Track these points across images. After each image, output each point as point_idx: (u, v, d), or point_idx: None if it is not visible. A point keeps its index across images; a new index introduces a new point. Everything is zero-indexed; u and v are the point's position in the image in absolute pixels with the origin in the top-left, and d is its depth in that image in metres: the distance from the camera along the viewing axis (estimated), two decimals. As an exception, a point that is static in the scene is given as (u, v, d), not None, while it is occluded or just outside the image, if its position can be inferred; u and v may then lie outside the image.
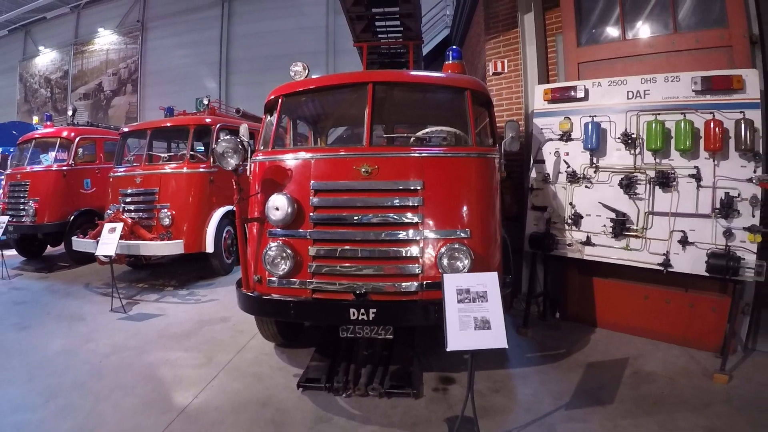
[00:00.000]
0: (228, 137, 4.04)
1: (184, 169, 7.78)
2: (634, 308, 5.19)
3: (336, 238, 3.79)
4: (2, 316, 6.56)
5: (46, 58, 27.43)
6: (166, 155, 8.74)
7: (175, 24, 23.68)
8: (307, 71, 4.66)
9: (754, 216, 4.22)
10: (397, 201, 3.76)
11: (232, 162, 3.98)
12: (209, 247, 7.63)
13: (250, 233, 4.17)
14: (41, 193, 9.22)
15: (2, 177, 11.53)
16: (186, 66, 23.36)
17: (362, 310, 3.52)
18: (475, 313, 3.09)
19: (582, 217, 5.25)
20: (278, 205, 3.79)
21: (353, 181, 3.80)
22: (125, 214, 7.49)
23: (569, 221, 5.34)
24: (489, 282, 3.17)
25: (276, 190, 3.95)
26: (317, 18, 20.86)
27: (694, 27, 5.37)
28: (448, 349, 3.01)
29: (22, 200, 9.31)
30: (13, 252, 10.11)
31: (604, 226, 5.07)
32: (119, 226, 6.55)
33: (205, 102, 9.22)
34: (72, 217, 9.26)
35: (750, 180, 4.25)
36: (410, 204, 3.74)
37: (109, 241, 6.38)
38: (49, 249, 11.03)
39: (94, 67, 25.66)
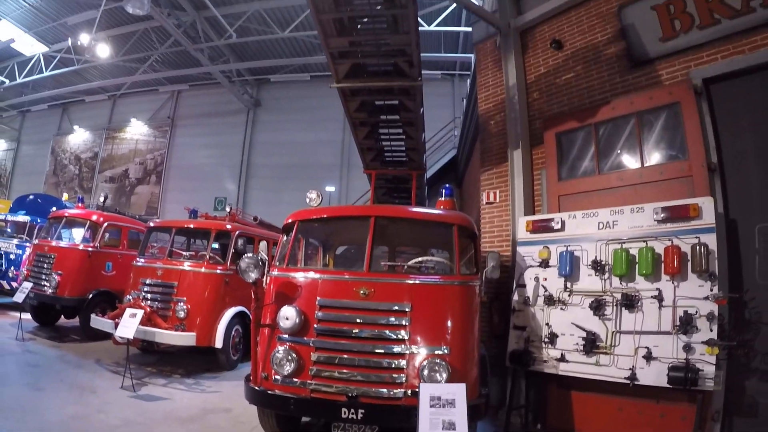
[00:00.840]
0: (250, 255, 4.80)
1: (203, 269, 8.41)
2: (610, 419, 5.56)
3: (335, 347, 4.46)
4: (18, 374, 7.05)
5: (78, 137, 28.71)
6: (186, 253, 9.38)
7: (203, 125, 24.89)
8: (320, 199, 5.54)
9: (711, 330, 4.70)
10: (389, 319, 4.46)
11: (253, 276, 4.72)
12: (218, 343, 8.08)
13: (261, 336, 4.81)
14: (66, 268, 9.78)
15: (28, 245, 12.32)
16: (209, 165, 24.27)
17: (352, 410, 4.13)
18: (443, 417, 3.67)
19: (557, 336, 5.79)
20: (288, 315, 4.50)
21: (353, 301, 4.55)
22: (144, 302, 8.03)
23: (546, 340, 5.87)
24: (457, 392, 3.78)
25: (287, 302, 4.67)
26: (334, 133, 21.92)
27: (659, 160, 6.18)
28: None
29: (46, 271, 9.86)
30: (27, 316, 10.55)
31: (577, 344, 5.57)
32: (140, 312, 7.12)
33: (228, 209, 9.98)
34: (90, 295, 9.77)
35: (707, 298, 4.79)
36: (399, 323, 4.44)
37: (129, 325, 6.92)
38: (61, 320, 11.45)
39: (123, 153, 26.78)
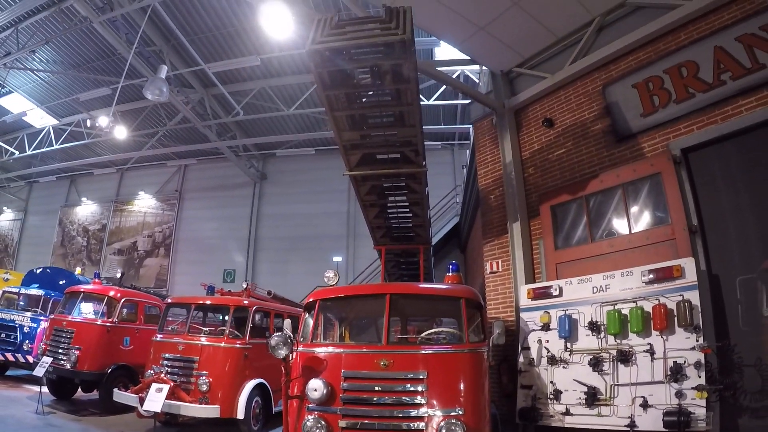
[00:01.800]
0: (279, 334, 5.31)
1: (223, 344, 8.74)
2: None
3: (360, 414, 4.93)
4: None
5: (86, 209, 28.92)
6: (206, 329, 9.66)
7: (210, 198, 25.36)
8: (337, 278, 6.13)
9: (699, 377, 5.20)
10: (408, 386, 4.96)
11: (283, 352, 5.23)
12: (240, 414, 8.30)
13: (291, 407, 5.25)
14: (85, 342, 10.03)
15: (42, 318, 12.57)
16: (216, 237, 24.58)
17: None
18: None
19: (561, 392, 6.25)
20: (316, 387, 4.98)
21: (374, 371, 5.06)
22: (166, 376, 8.28)
23: (551, 396, 6.32)
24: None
25: (313, 374, 5.15)
26: (339, 204, 22.74)
27: (645, 226, 6.77)
28: None
29: (65, 345, 10.07)
30: (45, 389, 10.81)
31: (579, 398, 6.03)
32: (166, 387, 7.51)
33: (243, 285, 10.46)
34: (110, 370, 10.00)
35: (693, 348, 5.31)
36: (417, 389, 4.93)
37: (155, 399, 7.28)
38: (78, 393, 11.50)
39: (131, 226, 27.10)
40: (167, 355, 8.68)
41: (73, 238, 29.21)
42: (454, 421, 4.72)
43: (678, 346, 5.47)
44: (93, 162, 25.72)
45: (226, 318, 9.30)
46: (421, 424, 4.80)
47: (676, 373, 5.34)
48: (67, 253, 28.94)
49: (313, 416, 4.94)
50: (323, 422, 4.88)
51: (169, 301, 10.17)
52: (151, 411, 7.40)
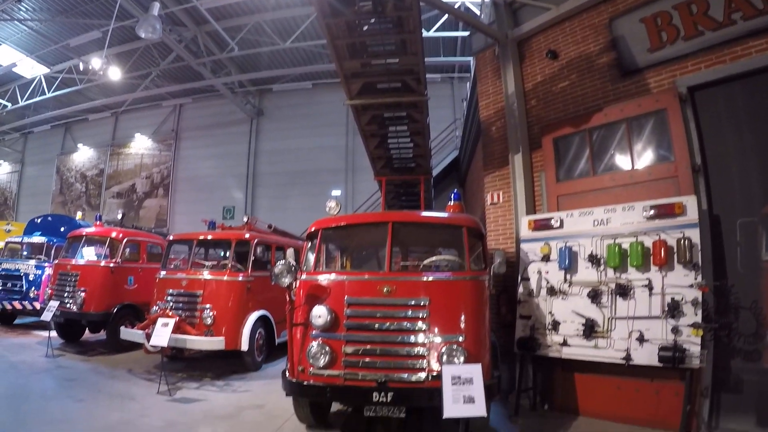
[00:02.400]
0: (283, 262, 5.31)
1: (225, 277, 8.88)
2: (610, 398, 6.09)
3: (364, 340, 5.05)
4: (57, 389, 7.49)
5: (83, 155, 28.75)
6: (208, 263, 9.81)
7: (207, 136, 25.15)
8: (339, 207, 6.10)
9: (696, 315, 5.28)
10: (410, 313, 5.05)
11: (287, 280, 5.24)
12: (244, 346, 8.55)
13: (295, 334, 5.35)
14: (90, 284, 10.23)
15: (46, 265, 12.75)
16: (215, 176, 24.53)
17: (383, 394, 4.70)
18: (463, 392, 4.20)
19: (559, 323, 6.37)
20: (320, 313, 5.08)
21: (377, 298, 5.14)
22: (171, 312, 8.47)
23: (549, 327, 6.43)
24: (474, 371, 4.31)
25: (317, 302, 5.23)
26: (337, 138, 22.51)
27: (648, 162, 6.69)
28: (443, 416, 4.12)
29: (71, 289, 10.27)
30: (53, 333, 10.92)
31: (577, 330, 6.15)
32: (171, 321, 7.61)
33: (244, 219, 10.42)
34: (115, 309, 10.24)
35: (691, 286, 5.37)
36: (419, 315, 5.02)
37: (162, 334, 7.39)
38: (86, 334, 11.94)
39: (129, 169, 26.98)
40: (171, 291, 8.83)
41: (71, 185, 29.14)
42: (454, 347, 4.85)
43: (676, 283, 5.51)
44: (87, 108, 25.34)
45: (228, 253, 9.39)
46: (423, 350, 4.91)
47: (673, 310, 5.41)
48: (66, 201, 28.94)
49: (317, 342, 5.05)
50: (327, 348, 5.00)
51: (171, 238, 10.23)
52: (157, 346, 7.55)
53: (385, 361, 4.95)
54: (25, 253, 13.79)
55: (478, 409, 4.13)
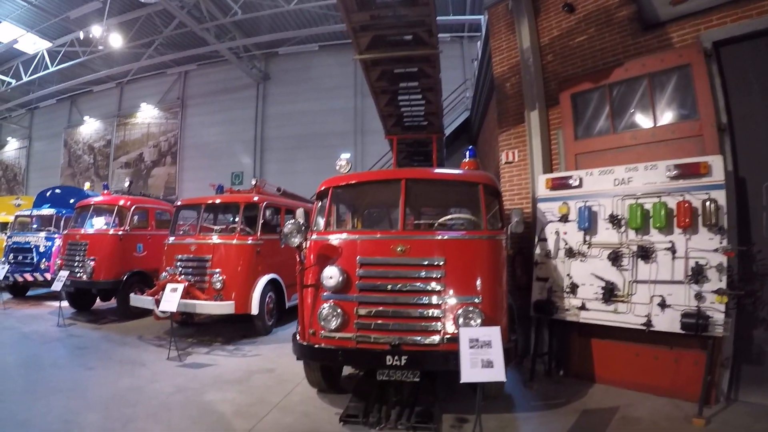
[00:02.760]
0: (293, 221, 5.11)
1: (235, 241, 8.77)
2: (628, 365, 5.91)
3: (377, 301, 4.86)
4: (68, 357, 7.51)
5: (90, 127, 28.85)
6: (217, 227, 9.72)
7: (213, 103, 25.03)
8: (350, 166, 5.85)
9: (721, 280, 4.98)
10: (425, 273, 4.83)
11: (297, 240, 5.05)
12: (254, 310, 8.50)
13: (305, 296, 5.18)
14: (99, 253, 10.25)
15: (57, 236, 12.79)
16: (222, 142, 24.48)
17: (396, 357, 4.53)
18: (481, 356, 4.04)
19: (578, 286, 6.11)
20: (332, 274, 4.88)
21: (391, 257, 4.92)
22: (180, 277, 8.40)
23: (567, 290, 6.19)
24: (493, 334, 4.14)
25: (329, 263, 5.03)
26: (345, 100, 22.31)
27: (671, 120, 6.37)
28: (461, 381, 3.96)
29: (80, 258, 10.31)
30: (65, 303, 11.02)
31: (596, 293, 5.89)
32: (180, 287, 7.49)
33: (252, 182, 10.31)
34: (125, 277, 10.27)
35: (716, 250, 5.07)
36: (435, 276, 4.81)
37: (171, 299, 7.29)
38: (97, 303, 12.00)
39: (136, 138, 26.98)
40: (180, 257, 8.78)
41: (79, 158, 29.23)
42: (471, 308, 4.65)
43: (700, 247, 5.22)
44: (91, 79, 25.17)
45: (237, 216, 9.29)
46: (438, 312, 4.72)
47: (697, 274, 5.12)
48: (75, 173, 29.06)
49: (329, 304, 4.88)
50: (339, 310, 4.83)
51: (179, 203, 10.12)
52: (167, 311, 7.49)
53: (398, 324, 4.76)
54: (35, 225, 13.87)
55: (497, 373, 3.97)
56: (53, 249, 12.76)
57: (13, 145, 33.21)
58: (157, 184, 25.76)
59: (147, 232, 11.24)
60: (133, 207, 10.99)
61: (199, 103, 25.60)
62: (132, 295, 9.09)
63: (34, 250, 12.95)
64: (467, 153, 6.43)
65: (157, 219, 11.59)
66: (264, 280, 8.86)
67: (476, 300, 4.74)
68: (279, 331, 9.26)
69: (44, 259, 12.82)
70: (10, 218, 15.00)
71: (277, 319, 9.46)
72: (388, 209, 7.02)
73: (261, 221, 9.09)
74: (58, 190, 15.65)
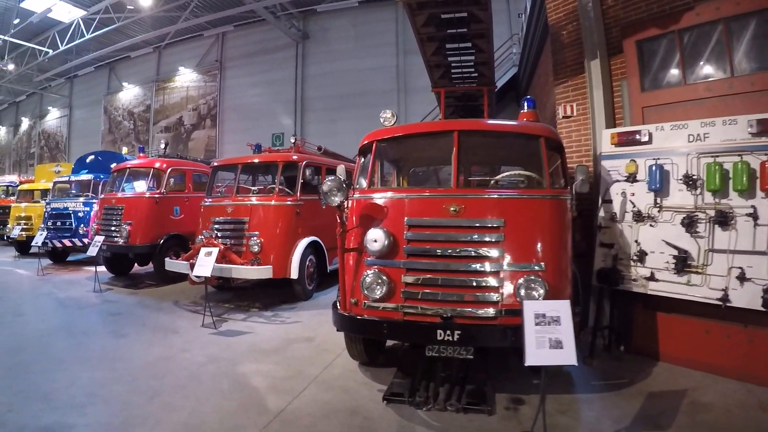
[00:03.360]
0: (333, 178, 4.57)
1: (273, 202, 8.38)
2: (696, 342, 5.28)
3: (427, 268, 4.29)
4: (100, 324, 7.33)
5: (129, 93, 29.23)
6: (255, 188, 9.39)
7: (252, 64, 24.81)
8: (395, 118, 5.27)
9: None
10: (482, 236, 4.25)
11: (338, 199, 4.51)
12: (294, 274, 8.13)
13: (347, 262, 4.67)
14: (135, 217, 10.09)
15: (94, 201, 12.73)
16: (262, 103, 24.35)
17: (448, 332, 3.99)
18: (549, 335, 3.50)
19: (646, 254, 5.46)
20: (377, 237, 4.33)
21: (443, 218, 4.33)
22: (217, 240, 8.09)
23: (634, 258, 5.55)
24: (562, 308, 3.59)
25: (372, 224, 4.49)
26: (387, 58, 21.42)
27: (750, 71, 5.64)
28: (525, 364, 3.44)
29: (116, 223, 10.19)
30: (102, 268, 11.04)
31: (667, 262, 5.24)
32: (215, 250, 7.15)
33: (292, 140, 9.88)
34: (162, 241, 10.10)
35: None
36: (493, 239, 4.22)
37: (205, 264, 6.96)
38: (135, 267, 11.99)
39: (175, 102, 27.16)
40: (217, 219, 8.48)
41: (119, 124, 29.65)
42: (533, 277, 4.08)
43: None
44: (128, 45, 25.40)
45: (276, 177, 8.92)
46: (496, 280, 4.15)
47: None
48: (115, 139, 29.55)
49: (372, 271, 4.36)
50: (384, 277, 4.30)
51: (215, 164, 9.79)
52: (201, 276, 7.18)
53: (451, 293, 4.21)
54: (73, 191, 13.91)
55: (567, 356, 3.45)
56: (91, 214, 12.75)
57: (54, 115, 33.97)
58: (197, 148, 25.88)
59: (184, 194, 11.02)
60: (170, 169, 10.74)
61: (237, 65, 25.45)
62: (167, 259, 8.87)
63: (72, 215, 12.99)
64: (525, 103, 5.74)
65: (194, 181, 11.33)
66: (304, 242, 8.46)
67: (539, 267, 4.17)
68: (320, 296, 8.92)
69: (82, 225, 12.87)
70: (50, 185, 15.00)
71: (317, 283, 9.12)
72: (437, 167, 6.42)
73: (301, 181, 8.65)
74: (96, 156, 15.59)
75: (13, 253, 15.85)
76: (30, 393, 4.66)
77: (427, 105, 12.57)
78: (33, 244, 11.99)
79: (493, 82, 9.62)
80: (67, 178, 14.55)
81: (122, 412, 4.27)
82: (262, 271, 7.81)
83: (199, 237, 8.46)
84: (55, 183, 14.73)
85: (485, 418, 4.13)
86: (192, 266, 7.51)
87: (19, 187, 18.58)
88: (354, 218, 4.75)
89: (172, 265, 8.56)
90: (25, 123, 37.47)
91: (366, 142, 5.30)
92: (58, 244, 12.70)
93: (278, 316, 7.62)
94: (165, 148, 12.51)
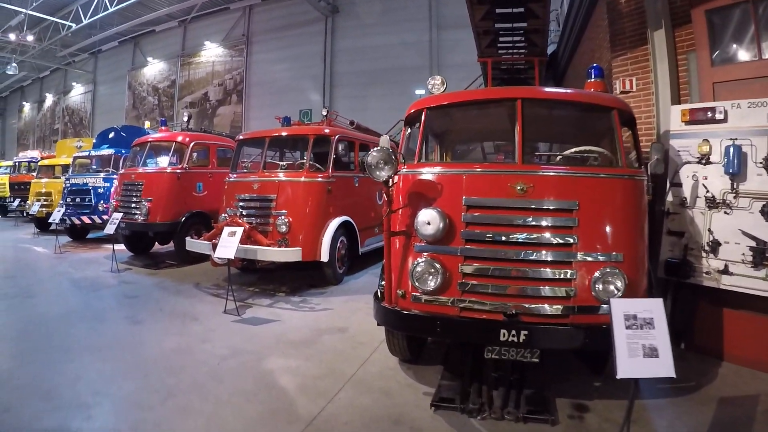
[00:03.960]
0: (379, 148, 3.91)
1: (303, 178, 7.82)
2: (765, 343, 4.75)
3: (488, 256, 3.69)
4: (115, 308, 6.87)
5: (154, 68, 29.05)
6: (284, 163, 8.86)
7: (279, 38, 24.38)
8: (445, 85, 4.65)
9: None
10: (552, 221, 3.65)
11: (384, 174, 3.87)
12: (324, 257, 7.62)
13: (393, 247, 4.08)
14: (155, 193, 9.66)
15: (114, 177, 12.35)
16: (289, 78, 23.97)
17: (513, 332, 3.42)
18: (642, 341, 2.94)
19: (720, 245, 4.88)
20: (430, 219, 3.72)
21: (508, 198, 3.71)
22: (241, 219, 7.64)
23: (707, 248, 4.97)
24: (655, 308, 3.02)
25: (424, 204, 3.89)
26: (420, 33, 20.83)
27: None
28: (617, 377, 2.88)
29: (136, 199, 9.77)
30: (121, 247, 10.69)
31: (744, 254, 4.68)
32: (239, 230, 6.65)
33: (323, 113, 9.28)
34: (183, 218, 9.65)
35: None
36: (566, 224, 3.62)
37: (228, 245, 6.46)
38: (155, 246, 11.64)
39: (201, 77, 26.91)
40: (242, 196, 7.98)
41: (143, 99, 29.51)
42: (611, 269, 3.48)
43: None
44: (153, 18, 25.07)
45: (305, 152, 8.30)
46: (570, 272, 3.55)
47: None
48: (140, 114, 29.47)
49: (424, 258, 3.77)
50: (438, 266, 3.70)
51: (241, 137, 9.20)
52: (224, 258, 6.64)
53: (516, 287, 3.60)
54: (93, 167, 13.62)
55: (664, 366, 2.87)
56: (112, 190, 12.39)
57: (78, 90, 34.06)
58: (223, 123, 25.65)
59: (207, 170, 10.54)
60: (192, 143, 10.25)
61: (264, 39, 25.03)
62: (188, 239, 8.44)
63: (92, 191, 12.69)
64: (592, 71, 5.06)
65: (218, 156, 10.86)
66: (335, 223, 7.92)
67: (617, 258, 3.56)
68: (351, 281, 8.43)
69: (102, 201, 12.57)
70: (71, 161, 14.71)
71: (348, 266, 8.60)
72: (482, 144, 5.78)
73: (333, 156, 8.07)
74: (122, 133, 15.25)
75: (33, 230, 15.65)
76: (31, 389, 4.21)
77: (460, 82, 12.00)
78: (50, 220, 11.63)
79: (545, 52, 8.96)
80: (87, 153, 14.24)
81: (131, 415, 3.78)
82: (290, 254, 7.31)
83: (223, 215, 8.01)
84: (75, 158, 14.40)
85: (548, 429, 3.59)
86: (214, 247, 7.00)
87: (39, 163, 18.37)
88: (401, 197, 4.15)
89: (194, 245, 8.13)
90: (49, 99, 37.66)
91: (414, 110, 4.66)
92: (77, 221, 12.44)
93: (307, 302, 7.11)
94: (188, 121, 12.05)
